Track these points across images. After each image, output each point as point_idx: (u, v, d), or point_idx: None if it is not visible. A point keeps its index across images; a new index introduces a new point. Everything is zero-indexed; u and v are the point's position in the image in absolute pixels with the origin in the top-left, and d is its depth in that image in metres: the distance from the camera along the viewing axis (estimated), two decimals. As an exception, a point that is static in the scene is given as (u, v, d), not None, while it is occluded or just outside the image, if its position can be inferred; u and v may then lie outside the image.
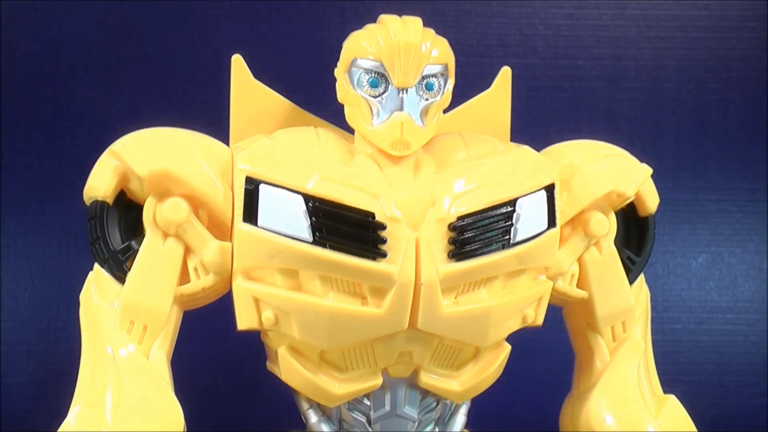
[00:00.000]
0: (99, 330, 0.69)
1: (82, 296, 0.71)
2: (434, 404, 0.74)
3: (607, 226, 0.74)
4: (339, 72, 0.70)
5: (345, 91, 0.70)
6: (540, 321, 0.73)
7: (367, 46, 0.68)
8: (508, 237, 0.68)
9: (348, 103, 0.70)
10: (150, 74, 1.17)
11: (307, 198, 0.66)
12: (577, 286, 0.75)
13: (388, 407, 0.72)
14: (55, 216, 1.17)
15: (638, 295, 0.77)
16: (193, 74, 1.17)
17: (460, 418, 0.76)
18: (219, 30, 1.17)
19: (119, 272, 0.69)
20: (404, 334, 0.67)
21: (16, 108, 1.16)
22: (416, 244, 0.65)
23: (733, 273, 1.26)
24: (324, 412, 0.74)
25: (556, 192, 0.71)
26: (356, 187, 0.66)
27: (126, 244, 0.70)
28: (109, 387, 0.67)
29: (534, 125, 1.14)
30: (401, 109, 0.68)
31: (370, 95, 0.69)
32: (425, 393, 0.73)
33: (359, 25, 0.71)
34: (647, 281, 0.79)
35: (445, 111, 0.73)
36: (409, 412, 0.73)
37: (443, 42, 0.70)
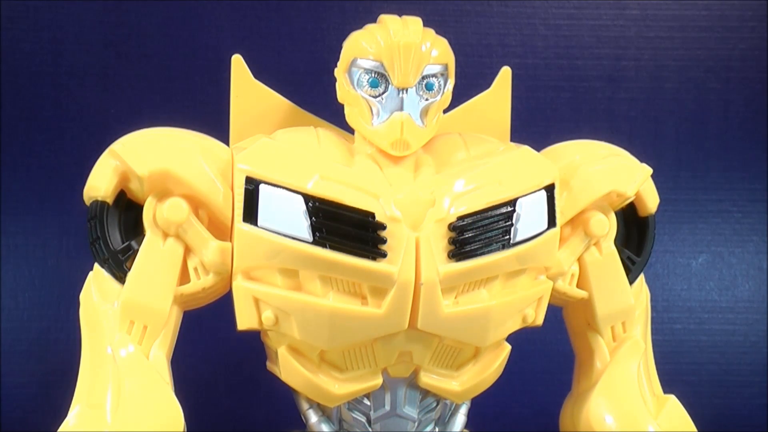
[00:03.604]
0: (99, 330, 0.69)
1: (82, 296, 0.71)
2: (434, 404, 0.74)
3: (607, 226, 0.74)
4: (339, 72, 0.70)
5: (345, 91, 0.70)
6: (540, 321, 0.73)
7: (367, 46, 0.68)
8: (508, 237, 0.68)
9: (348, 103, 0.70)
10: (150, 74, 1.17)
11: (307, 198, 0.66)
12: (577, 286, 0.75)
13: (388, 407, 0.72)
14: (55, 216, 1.17)
15: (638, 295, 0.77)
16: (193, 74, 1.17)
17: (460, 418, 0.76)
18: (219, 30, 1.17)
19: (119, 272, 0.69)
20: (404, 334, 0.67)
21: (16, 108, 1.16)
22: (416, 244, 0.65)
23: (733, 273, 1.26)
24: (324, 412, 0.74)
25: (556, 192, 0.71)
26: (356, 187, 0.66)
27: (126, 244, 0.70)
28: (109, 387, 0.67)
29: (534, 125, 1.14)
30: (401, 109, 0.68)
31: (370, 95, 0.69)
32: (425, 393, 0.73)
33: (359, 25, 0.71)
34: (647, 281, 0.79)
35: (445, 111, 0.73)
36: (409, 412, 0.73)
37: (443, 42, 0.70)
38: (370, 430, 0.73)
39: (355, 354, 0.69)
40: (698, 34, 1.23)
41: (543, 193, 0.70)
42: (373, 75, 0.68)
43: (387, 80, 0.68)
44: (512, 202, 0.68)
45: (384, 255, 0.65)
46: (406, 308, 0.66)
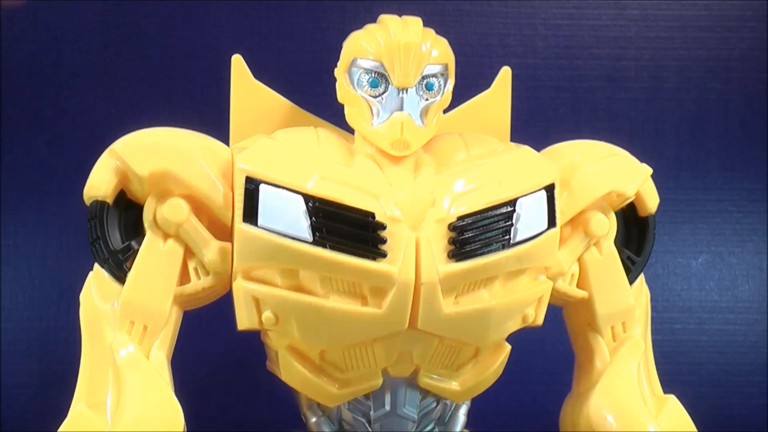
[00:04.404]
0: (99, 330, 0.69)
1: (82, 296, 0.71)
2: (434, 404, 0.74)
3: (607, 226, 0.74)
4: (339, 72, 0.70)
5: (345, 91, 0.70)
6: (540, 321, 0.73)
7: (367, 46, 0.68)
8: (508, 237, 0.68)
9: (348, 103, 0.70)
10: (150, 74, 1.17)
11: (307, 198, 0.65)
12: (577, 286, 0.75)
13: (388, 407, 0.72)
14: (55, 216, 1.17)
15: (638, 295, 0.77)
16: (193, 74, 1.17)
17: (460, 418, 0.76)
18: (219, 30, 1.17)
19: (119, 272, 0.69)
20: (404, 334, 0.67)
21: (16, 108, 1.16)
22: (416, 244, 0.65)
23: (733, 273, 1.26)
24: (324, 412, 0.74)
25: (556, 192, 0.71)
26: (356, 187, 0.66)
27: (126, 244, 0.70)
28: (109, 387, 0.67)
29: (534, 125, 1.14)
30: (401, 109, 0.68)
31: (370, 95, 0.69)
32: (425, 393, 0.73)
33: (359, 25, 0.71)
34: (647, 281, 0.79)
35: (445, 111, 0.73)
36: (409, 412, 0.73)
37: (443, 42, 0.70)
38: (370, 430, 0.73)
39: (356, 354, 0.69)
40: (698, 34, 1.23)
41: (543, 193, 0.70)
42: (373, 75, 0.68)
43: (387, 80, 0.68)
44: (512, 202, 0.68)
45: (384, 255, 0.65)
46: (406, 308, 0.66)
